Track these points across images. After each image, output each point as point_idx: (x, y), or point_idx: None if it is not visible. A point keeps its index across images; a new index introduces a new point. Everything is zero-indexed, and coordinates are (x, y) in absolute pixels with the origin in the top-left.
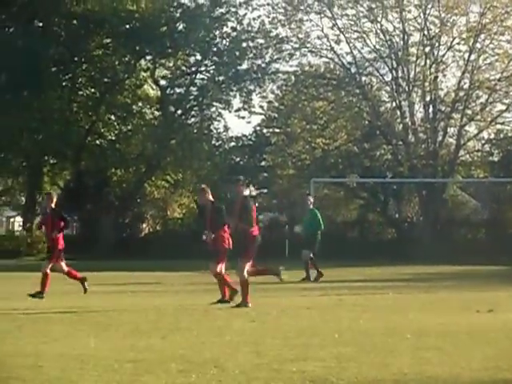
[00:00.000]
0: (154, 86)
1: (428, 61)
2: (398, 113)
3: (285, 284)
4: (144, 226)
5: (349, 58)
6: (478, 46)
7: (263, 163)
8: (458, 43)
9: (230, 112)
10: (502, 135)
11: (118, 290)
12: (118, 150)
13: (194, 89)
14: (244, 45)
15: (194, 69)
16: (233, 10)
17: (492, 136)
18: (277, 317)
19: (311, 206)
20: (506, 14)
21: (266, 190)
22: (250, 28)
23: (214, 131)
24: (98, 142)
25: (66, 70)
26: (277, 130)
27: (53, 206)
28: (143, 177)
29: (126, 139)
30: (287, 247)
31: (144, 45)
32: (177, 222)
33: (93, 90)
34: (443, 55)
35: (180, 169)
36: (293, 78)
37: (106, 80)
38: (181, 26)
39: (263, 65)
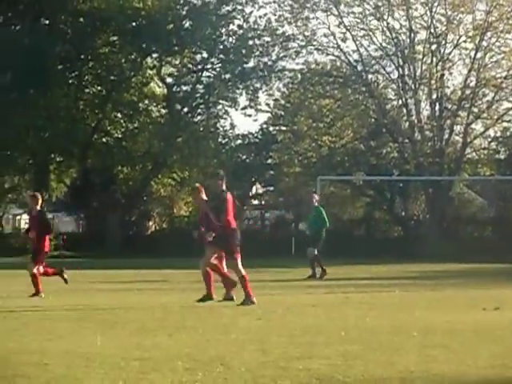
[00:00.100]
0: (161, 84)
1: (434, 59)
2: (405, 111)
3: (291, 282)
4: (150, 223)
5: (355, 56)
6: (485, 44)
7: (269, 161)
8: (465, 41)
9: (236, 110)
10: (508, 133)
11: (124, 287)
12: (125, 148)
13: (201, 86)
14: (250, 43)
15: (200, 66)
16: (239, 7)
17: (498, 134)
18: (282, 315)
19: (316, 204)
20: None
21: (272, 188)
22: (256, 26)
23: (221, 129)
24: (104, 139)
25: (73, 67)
26: (283, 128)
27: (38, 207)
28: (149, 175)
29: (132, 137)
30: (293, 245)
31: (150, 42)
32: (183, 219)
33: (99, 87)
34: (449, 53)
35: (186, 166)
36: (299, 75)
37: (112, 78)
38: (187, 24)
39: (269, 63)
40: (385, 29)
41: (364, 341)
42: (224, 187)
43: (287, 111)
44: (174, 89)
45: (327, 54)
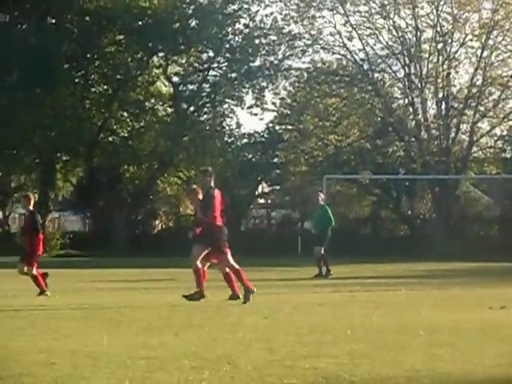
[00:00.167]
0: (167, 83)
1: (441, 57)
2: (411, 109)
3: (297, 281)
4: (156, 222)
5: (361, 55)
6: (491, 42)
7: (276, 160)
8: (471, 40)
9: (242, 109)
10: None
11: (130, 286)
12: (131, 147)
13: (207, 85)
14: (256, 41)
15: (206, 65)
16: (245, 6)
17: (505, 132)
18: (289, 313)
19: (322, 203)
20: None
21: (278, 187)
22: (262, 25)
23: (227, 128)
24: (110, 138)
25: (79, 66)
26: (289, 127)
27: (31, 208)
28: (156, 173)
29: (138, 136)
30: (299, 244)
31: (156, 41)
32: (189, 218)
33: (105, 86)
34: (456, 52)
35: (192, 165)
36: (305, 74)
37: (118, 77)
38: (193, 23)
39: (276, 61)
40: (391, 27)
41: (370, 340)
42: (212, 184)
43: (293, 110)
44: (180, 88)
45: (333, 53)
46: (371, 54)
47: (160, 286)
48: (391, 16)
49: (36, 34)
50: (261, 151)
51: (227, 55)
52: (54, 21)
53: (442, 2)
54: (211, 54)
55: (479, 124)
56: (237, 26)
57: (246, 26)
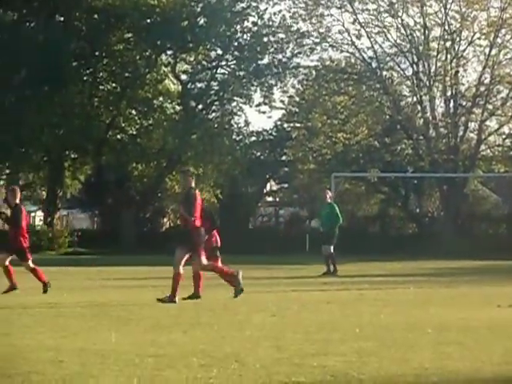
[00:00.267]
0: (175, 81)
1: (449, 55)
2: (419, 107)
3: (305, 279)
4: (165, 220)
5: (370, 53)
6: (499, 40)
7: (284, 158)
8: (479, 38)
9: (250, 107)
10: None
11: (138, 284)
12: (139, 145)
13: (215, 83)
14: (265, 39)
15: (214, 63)
16: (254, 4)
17: None
18: (297, 311)
19: (329, 200)
20: None
21: (286, 185)
22: (270, 23)
23: (235, 126)
24: (118, 136)
25: (87, 64)
26: (298, 125)
27: (17, 201)
28: (164, 171)
29: (146, 134)
30: (307, 242)
31: (165, 39)
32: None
33: (114, 84)
34: (464, 50)
35: (201, 163)
36: (314, 72)
37: (126, 75)
38: (202, 21)
39: (284, 59)
40: (399, 26)
41: (379, 338)
42: (193, 184)
43: (302, 108)
44: (188, 86)
45: (342, 51)
46: (379, 52)
47: (168, 283)
48: (399, 14)
49: (44, 31)
50: (269, 149)
51: (236, 53)
52: (62, 19)
53: (450, 0)
54: (220, 51)
55: (487, 122)
56: (245, 23)
57: (255, 23)
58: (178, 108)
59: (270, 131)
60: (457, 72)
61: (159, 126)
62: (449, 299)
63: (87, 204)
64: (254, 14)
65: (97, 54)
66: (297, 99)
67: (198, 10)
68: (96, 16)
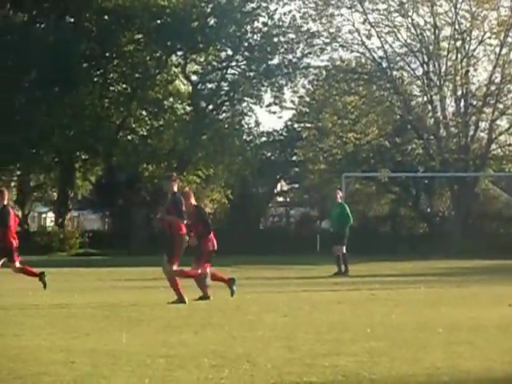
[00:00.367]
0: (186, 82)
1: (459, 55)
2: (430, 107)
3: (316, 279)
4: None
5: (380, 53)
6: (510, 40)
7: (294, 158)
8: (489, 37)
9: (261, 107)
10: None
11: (149, 285)
12: (150, 146)
13: (225, 84)
14: (275, 40)
15: (225, 64)
16: (264, 4)
17: None
18: (308, 312)
19: (340, 201)
20: None
21: (297, 185)
22: (281, 23)
23: (245, 126)
24: (129, 137)
25: (98, 65)
26: (308, 125)
27: (5, 203)
28: (175, 172)
29: (157, 134)
30: (318, 242)
31: (175, 40)
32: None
33: (124, 85)
34: (474, 49)
35: (211, 164)
36: (324, 72)
37: (137, 75)
38: (212, 21)
39: (294, 60)
40: (409, 25)
41: (390, 338)
42: (175, 189)
43: (312, 108)
44: (198, 86)
45: (352, 51)
46: (390, 52)
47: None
48: (410, 14)
49: (54, 33)
50: (279, 149)
51: (246, 53)
52: (72, 20)
53: (460, 0)
54: (230, 52)
55: (498, 122)
56: (255, 24)
57: (265, 24)
58: (188, 109)
59: (280, 131)
60: (467, 71)
61: (170, 127)
62: (459, 299)
63: (98, 205)
64: (264, 14)
65: (107, 54)
66: (307, 99)
67: (208, 10)
68: (106, 17)
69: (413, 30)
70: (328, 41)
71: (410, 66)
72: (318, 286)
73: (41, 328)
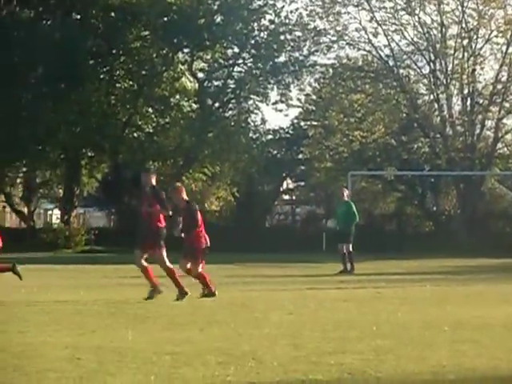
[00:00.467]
0: (192, 79)
1: (466, 54)
2: (436, 105)
3: (322, 277)
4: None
5: (387, 51)
6: None
7: (300, 156)
8: (496, 36)
9: (267, 105)
10: None
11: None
12: (156, 143)
13: (232, 81)
14: (282, 37)
15: (231, 61)
16: (270, 2)
17: None
18: (314, 310)
19: (346, 199)
20: None
21: (303, 183)
22: (287, 21)
23: (252, 124)
24: (135, 134)
25: (104, 62)
26: (314, 123)
27: None
28: (181, 169)
29: (163, 132)
30: (324, 240)
31: (182, 37)
32: (214, 214)
33: (130, 82)
34: (481, 48)
35: (217, 161)
36: (330, 70)
37: (143, 73)
38: (219, 19)
39: (301, 57)
40: (416, 24)
41: (396, 336)
42: (154, 182)
43: (318, 106)
44: (205, 84)
45: (359, 49)
46: (396, 50)
47: (184, 281)
48: (416, 12)
49: (61, 29)
50: (286, 147)
51: (252, 51)
52: (78, 16)
53: None
54: (236, 49)
55: (504, 120)
56: (262, 21)
57: (272, 21)
58: (194, 106)
59: (286, 129)
60: (474, 70)
61: (176, 124)
62: (465, 297)
63: (104, 202)
64: (270, 11)
65: (113, 51)
66: (313, 97)
67: (215, 7)
68: (113, 14)
69: (420, 29)
70: (335, 39)
71: (416, 65)
72: (324, 284)
73: (46, 325)
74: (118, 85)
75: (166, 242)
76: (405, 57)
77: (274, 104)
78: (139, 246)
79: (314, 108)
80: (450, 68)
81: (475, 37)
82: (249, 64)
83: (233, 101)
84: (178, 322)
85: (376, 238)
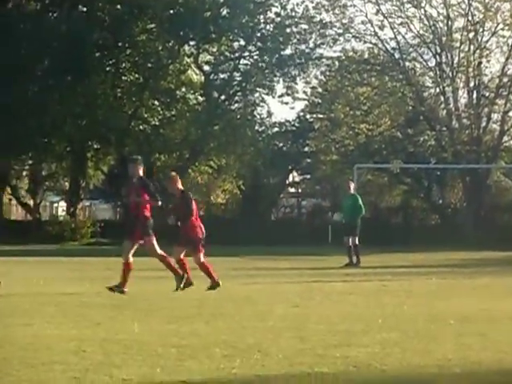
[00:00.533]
0: (198, 72)
1: (472, 46)
2: (442, 98)
3: (327, 270)
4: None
5: (393, 44)
6: None
7: (306, 149)
8: (502, 29)
9: (273, 97)
10: None
11: (161, 275)
12: (162, 136)
13: (238, 74)
14: (288, 30)
15: (237, 54)
16: None
17: None
18: (320, 302)
19: (352, 192)
20: None
21: (309, 176)
22: (293, 13)
23: (258, 117)
24: (141, 127)
25: (110, 55)
26: (320, 116)
27: None
28: (187, 162)
29: (169, 124)
30: (330, 233)
31: (188, 30)
32: (220, 207)
33: (136, 75)
34: (487, 41)
35: (223, 154)
36: (336, 63)
37: (149, 65)
38: (224, 12)
39: (307, 50)
40: (422, 16)
41: (401, 329)
42: (141, 173)
43: (324, 99)
44: (211, 76)
45: (365, 42)
46: (402, 43)
47: (193, 274)
48: (422, 5)
49: (67, 22)
50: (292, 140)
51: (258, 44)
52: (85, 9)
53: None
54: (242, 42)
55: (510, 113)
56: (268, 14)
57: (278, 14)
58: (200, 99)
59: (292, 122)
60: (480, 63)
61: (182, 117)
62: (471, 290)
63: (110, 195)
64: (276, 4)
65: (119, 44)
66: (319, 90)
67: (221, 0)
68: (119, 6)
69: (426, 21)
70: (341, 31)
71: (422, 57)
72: (330, 277)
73: (52, 317)
74: (123, 77)
75: (154, 231)
76: (411, 50)
77: (279, 97)
78: (128, 236)
79: (319, 101)
80: (456, 61)
81: (481, 30)
82: (255, 57)
83: (239, 93)
84: (184, 315)
85: (382, 231)
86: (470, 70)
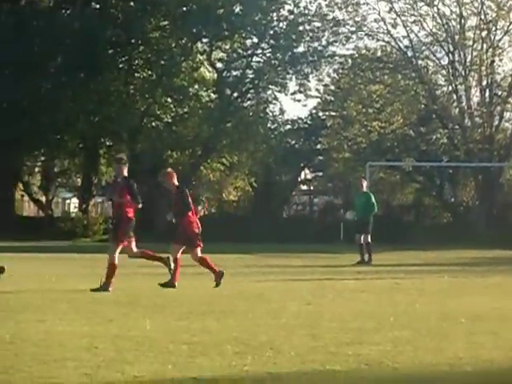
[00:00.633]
0: (211, 69)
1: (485, 45)
2: (455, 97)
3: (340, 267)
4: (199, 208)
5: (405, 42)
6: None
7: (319, 146)
8: None
9: (285, 95)
10: None
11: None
12: (175, 133)
13: (250, 72)
14: (300, 28)
15: (250, 51)
16: None
17: None
18: (332, 300)
19: (365, 189)
20: None
21: (321, 174)
22: (306, 11)
23: (270, 114)
24: (154, 124)
25: (123, 52)
26: (333, 113)
27: None
28: (199, 159)
29: (182, 122)
30: (342, 230)
31: (201, 27)
32: (232, 204)
33: (149, 72)
34: (500, 39)
35: (236, 151)
36: (349, 61)
37: (162, 62)
38: (238, 9)
39: (320, 48)
40: (435, 15)
41: (413, 327)
42: (125, 173)
43: (337, 96)
44: (223, 74)
45: (377, 40)
46: (415, 41)
47: (201, 271)
48: (435, 3)
49: (80, 19)
50: (304, 137)
51: (271, 41)
52: (98, 6)
53: None
54: (255, 40)
55: None
56: (281, 12)
57: (291, 12)
58: (213, 96)
59: (305, 119)
60: (492, 61)
61: (194, 114)
62: (483, 289)
63: None
64: (289, 2)
65: (132, 41)
66: (332, 88)
67: None
68: (132, 3)
69: (438, 20)
70: (353, 29)
71: (435, 56)
72: (342, 275)
73: (64, 313)
74: (136, 74)
75: (134, 232)
76: (423, 48)
77: (292, 94)
78: (112, 238)
79: (332, 98)
80: (468, 59)
81: (494, 28)
82: (267, 54)
83: (251, 91)
84: (195, 312)
85: (394, 229)
86: (483, 68)
